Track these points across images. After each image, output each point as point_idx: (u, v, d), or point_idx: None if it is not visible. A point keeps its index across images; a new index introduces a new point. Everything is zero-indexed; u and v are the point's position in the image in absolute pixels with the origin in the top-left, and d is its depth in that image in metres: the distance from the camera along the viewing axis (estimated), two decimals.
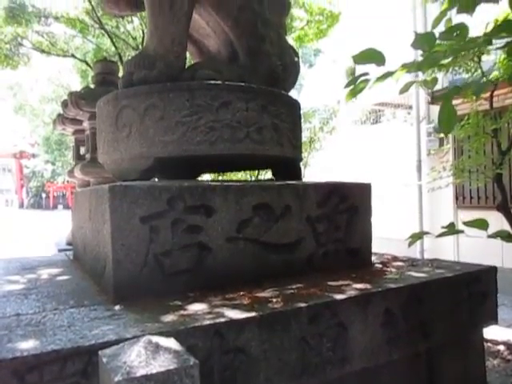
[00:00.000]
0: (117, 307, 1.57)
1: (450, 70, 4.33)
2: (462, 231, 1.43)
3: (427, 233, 1.65)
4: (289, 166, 2.43)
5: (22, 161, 41.89)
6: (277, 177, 2.48)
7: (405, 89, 1.59)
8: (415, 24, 7.32)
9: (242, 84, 2.16)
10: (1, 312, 1.54)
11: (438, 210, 7.58)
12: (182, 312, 1.49)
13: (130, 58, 2.36)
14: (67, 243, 6.04)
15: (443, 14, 1.53)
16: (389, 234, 7.35)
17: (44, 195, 41.88)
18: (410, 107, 8.08)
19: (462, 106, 4.10)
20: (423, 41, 1.26)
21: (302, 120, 2.71)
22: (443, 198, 7.19)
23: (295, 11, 7.66)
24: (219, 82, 2.12)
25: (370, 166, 8.54)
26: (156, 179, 2.33)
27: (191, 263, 1.77)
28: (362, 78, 1.39)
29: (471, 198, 7.04)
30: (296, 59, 2.48)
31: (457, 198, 7.30)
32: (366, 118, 9.37)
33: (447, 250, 7.18)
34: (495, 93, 3.68)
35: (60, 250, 5.67)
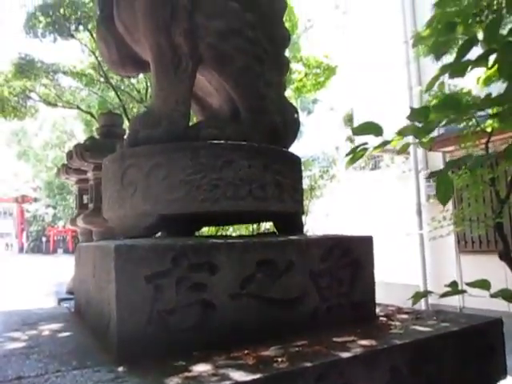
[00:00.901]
0: (120, 368, 1.54)
1: None
2: (464, 291, 1.44)
3: (430, 292, 1.66)
4: (290, 220, 2.46)
5: (23, 205, 42.11)
6: (279, 231, 2.51)
7: (402, 150, 1.65)
8: (409, 76, 7.61)
9: (245, 143, 2.23)
10: (2, 375, 1.52)
11: (440, 254, 7.56)
12: (186, 374, 1.47)
13: (135, 116, 2.45)
14: (67, 292, 6.00)
15: (436, 78, 1.61)
16: (392, 278, 7.28)
17: (44, 239, 41.76)
18: (408, 152, 8.24)
19: (457, 152, 4.19)
20: (419, 114, 1.33)
21: (302, 168, 2.77)
22: (445, 243, 7.19)
23: (293, 65, 7.95)
24: (222, 140, 2.19)
25: (370, 210, 8.59)
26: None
27: (195, 321, 1.76)
28: (361, 147, 1.45)
29: (473, 242, 7.04)
30: (296, 116, 2.58)
31: (459, 243, 7.29)
32: (364, 164, 9.52)
33: None
34: (491, 139, 3.77)
35: (60, 300, 5.63)
